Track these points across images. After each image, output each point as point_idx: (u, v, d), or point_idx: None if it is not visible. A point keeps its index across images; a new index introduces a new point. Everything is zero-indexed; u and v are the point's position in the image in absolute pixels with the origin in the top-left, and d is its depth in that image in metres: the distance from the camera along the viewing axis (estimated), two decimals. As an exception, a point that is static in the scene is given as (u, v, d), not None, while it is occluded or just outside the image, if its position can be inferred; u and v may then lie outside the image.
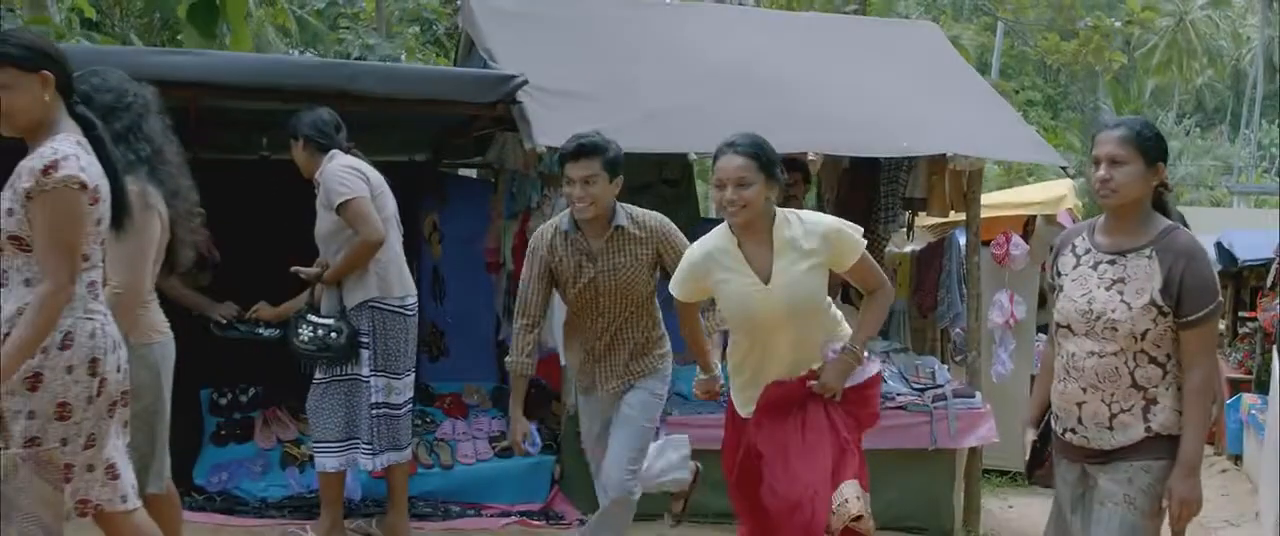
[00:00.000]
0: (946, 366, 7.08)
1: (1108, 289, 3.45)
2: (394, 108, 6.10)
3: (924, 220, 8.45)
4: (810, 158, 6.35)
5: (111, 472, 3.38)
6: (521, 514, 6.13)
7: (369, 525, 5.57)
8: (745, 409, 4.08)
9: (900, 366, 6.82)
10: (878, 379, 4.17)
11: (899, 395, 6.53)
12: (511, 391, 4.70)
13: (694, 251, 4.08)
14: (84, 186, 3.20)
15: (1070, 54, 19.97)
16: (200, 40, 9.08)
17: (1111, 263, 3.47)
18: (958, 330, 7.66)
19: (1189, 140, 33.48)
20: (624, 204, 4.61)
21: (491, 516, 6.11)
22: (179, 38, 13.38)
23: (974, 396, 6.69)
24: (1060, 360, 3.58)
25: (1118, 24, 21.06)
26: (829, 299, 4.03)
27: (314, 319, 5.07)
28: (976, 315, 7.04)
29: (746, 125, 6.46)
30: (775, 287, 3.87)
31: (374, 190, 5.08)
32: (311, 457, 5.44)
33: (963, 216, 7.25)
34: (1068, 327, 3.54)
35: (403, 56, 19.25)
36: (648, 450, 4.74)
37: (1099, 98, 35.45)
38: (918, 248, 8.06)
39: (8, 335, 3.15)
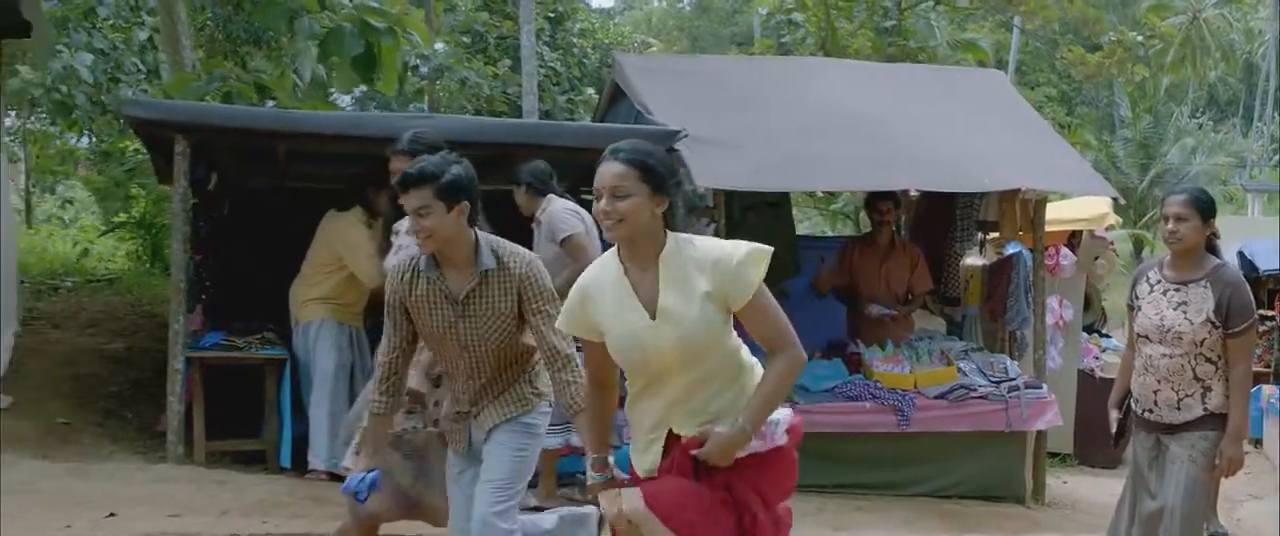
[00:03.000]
0: (1016, 362, 8.46)
1: (1174, 309, 4.85)
2: (573, 155, 7.50)
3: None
4: (913, 194, 7.77)
5: None
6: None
7: (571, 493, 6.95)
8: (644, 468, 3.46)
9: (978, 362, 8.20)
10: (782, 452, 3.41)
11: (979, 386, 7.91)
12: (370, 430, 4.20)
13: (581, 277, 3.50)
14: None
15: (1094, 66, 21.07)
16: (352, 82, 10.55)
17: (1177, 290, 4.87)
18: (1023, 332, 9.03)
19: (1202, 134, 34.57)
20: (492, 238, 4.07)
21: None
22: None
23: (1041, 387, 8.08)
24: (1139, 360, 4.98)
25: (1139, 37, 22.28)
26: (735, 339, 3.40)
27: (540, 329, 6.45)
28: (1041, 319, 8.44)
29: (856, 164, 7.99)
30: (662, 323, 3.29)
31: (588, 228, 6.47)
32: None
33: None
34: (1145, 337, 4.94)
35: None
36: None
37: (1115, 94, 36.42)
38: (989, 262, 9.43)
39: None
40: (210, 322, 7.70)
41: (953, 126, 8.68)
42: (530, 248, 6.47)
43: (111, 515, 5.61)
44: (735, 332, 3.40)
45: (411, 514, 4.70)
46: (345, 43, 9.57)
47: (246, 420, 7.42)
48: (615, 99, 8.95)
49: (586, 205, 7.72)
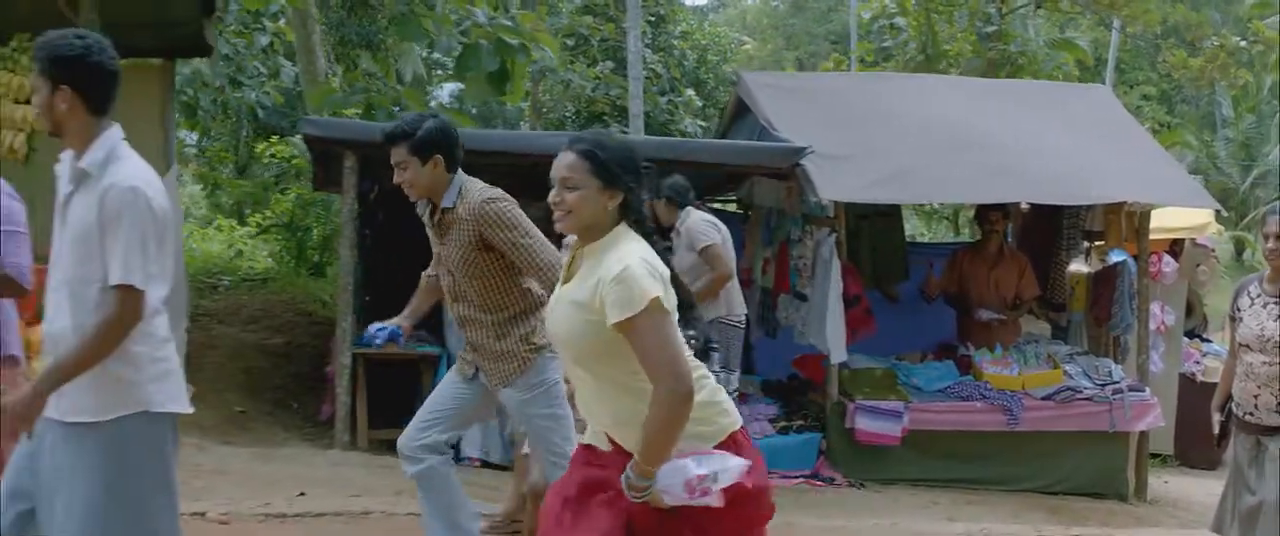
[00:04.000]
0: (1120, 366, 8.87)
1: (1274, 320, 5.28)
2: (704, 168, 8.07)
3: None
4: (1023, 207, 8.24)
5: None
6: (799, 477, 8.06)
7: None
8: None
9: (1083, 366, 8.63)
10: (730, 512, 3.05)
11: (1084, 388, 8.35)
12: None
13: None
14: None
15: (1197, 69, 21.08)
16: (485, 94, 11.20)
17: (1277, 303, 5.31)
18: (1126, 337, 9.42)
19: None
20: (474, 181, 4.56)
21: (775, 479, 8.00)
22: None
23: (1144, 390, 8.49)
24: (1240, 367, 5.42)
25: (1242, 42, 22.20)
26: (629, 367, 3.05)
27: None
28: (1145, 325, 8.85)
29: (968, 177, 8.47)
30: (553, 311, 3.28)
31: (724, 238, 7.05)
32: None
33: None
34: (1246, 346, 5.38)
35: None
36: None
37: (1217, 93, 36.00)
38: (1094, 269, 9.83)
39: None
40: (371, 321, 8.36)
41: (1060, 141, 9.10)
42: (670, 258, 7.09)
43: (302, 494, 6.28)
44: None
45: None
46: (482, 60, 10.23)
47: (402, 410, 8.09)
48: (739, 114, 9.51)
49: (717, 213, 8.32)
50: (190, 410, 3.67)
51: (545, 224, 7.50)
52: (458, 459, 7.70)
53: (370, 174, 7.95)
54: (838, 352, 8.06)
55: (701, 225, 7.02)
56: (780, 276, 9.02)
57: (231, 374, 8.56)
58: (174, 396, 3.56)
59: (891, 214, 9.95)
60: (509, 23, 10.57)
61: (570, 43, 25.27)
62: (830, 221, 8.15)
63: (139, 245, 3.33)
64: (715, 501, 3.00)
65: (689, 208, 7.18)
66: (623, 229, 3.18)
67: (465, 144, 6.08)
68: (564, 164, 3.16)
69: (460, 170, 4.56)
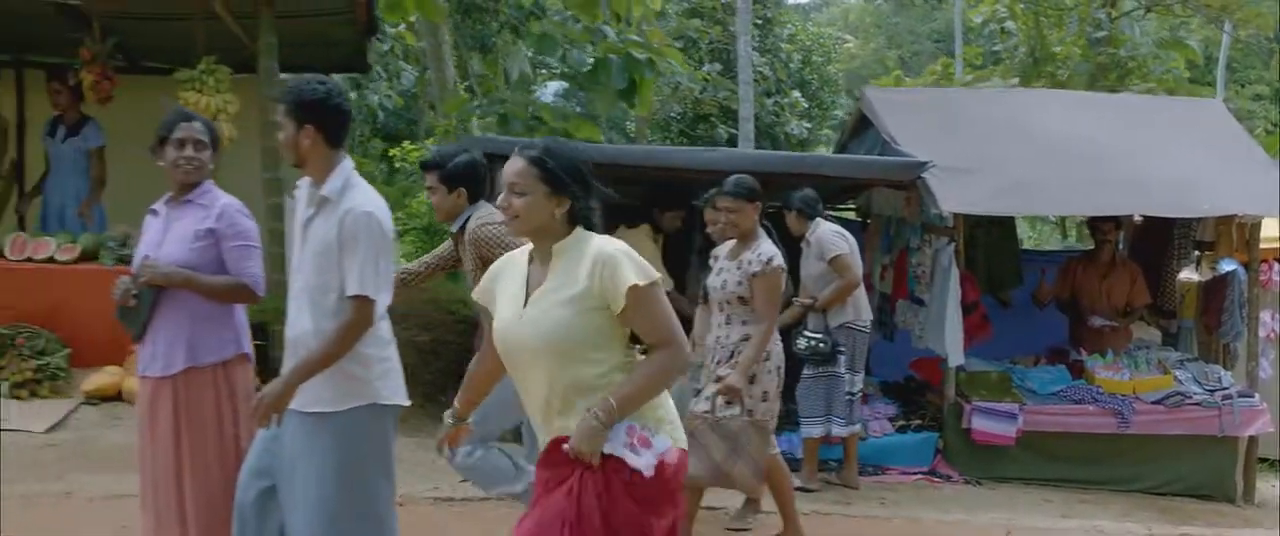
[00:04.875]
0: (1229, 372, 9.17)
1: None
2: (831, 181, 8.55)
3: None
4: (1136, 219, 8.61)
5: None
6: (917, 473, 8.50)
7: (829, 476, 8.02)
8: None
9: (1193, 372, 8.95)
10: (654, 481, 3.18)
11: (1194, 394, 8.68)
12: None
13: (500, 258, 3.61)
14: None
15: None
16: (612, 105, 11.75)
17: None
18: (1236, 344, 9.70)
19: None
20: (482, 207, 5.18)
21: (894, 475, 8.49)
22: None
23: (1253, 396, 8.80)
24: None
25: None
26: (620, 355, 3.29)
27: (808, 334, 7.52)
28: (1255, 333, 9.15)
29: (1082, 189, 8.84)
30: (527, 316, 3.30)
31: (852, 248, 7.52)
32: (798, 424, 7.88)
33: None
34: None
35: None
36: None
37: (1332, 92, 35.22)
38: (1204, 278, 10.13)
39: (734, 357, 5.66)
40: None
41: (1173, 153, 9.41)
42: (798, 265, 7.55)
43: (464, 480, 6.86)
44: (630, 350, 3.34)
45: (721, 482, 5.85)
46: (612, 75, 10.79)
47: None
48: (860, 128, 9.97)
49: (836, 220, 8.78)
50: (408, 403, 4.26)
51: (680, 233, 8.08)
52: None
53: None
54: (955, 356, 8.48)
55: (831, 236, 7.50)
56: (899, 282, 9.48)
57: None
58: (397, 391, 4.17)
59: (1006, 222, 10.34)
60: (638, 39, 11.12)
61: (678, 45, 25.77)
62: (949, 231, 8.56)
63: (372, 262, 3.93)
64: (645, 466, 3.16)
65: (818, 219, 7.65)
66: (583, 232, 3.33)
67: (603, 158, 6.69)
68: (513, 170, 3.31)
69: (481, 200, 5.28)
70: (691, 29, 26.20)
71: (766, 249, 5.76)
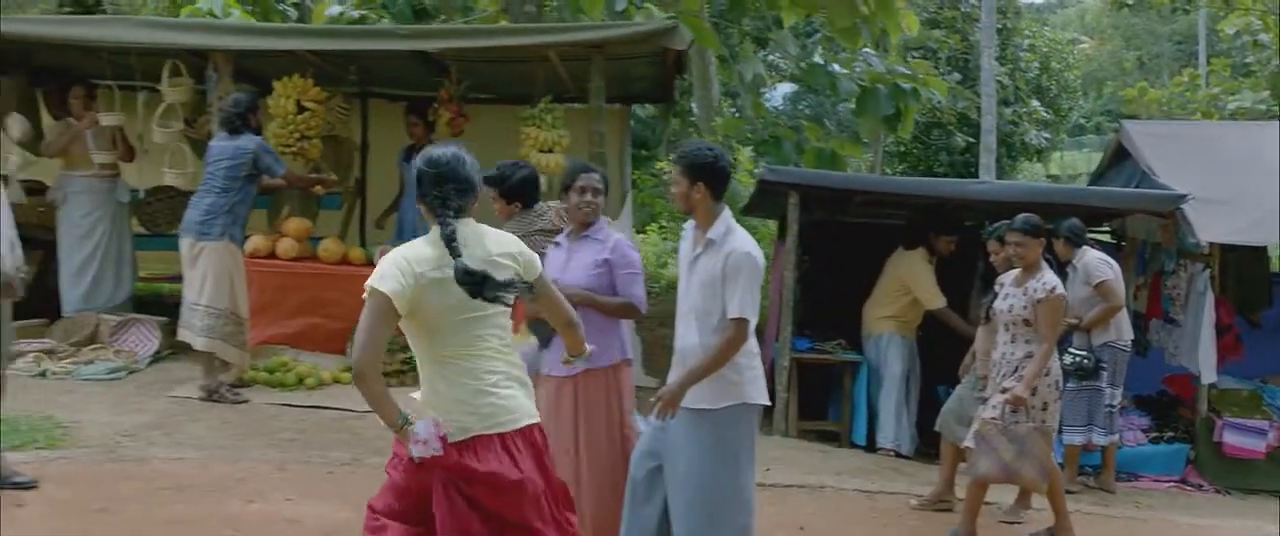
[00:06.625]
0: None
1: None
2: (1094, 211, 9.33)
3: None
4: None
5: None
6: (1169, 482, 9.20)
7: (1088, 480, 8.82)
8: None
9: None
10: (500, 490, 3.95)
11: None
12: None
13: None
14: None
15: None
16: (877, 129, 12.65)
17: None
18: None
19: None
20: (523, 215, 6.15)
21: (1147, 482, 9.20)
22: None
23: None
24: None
25: None
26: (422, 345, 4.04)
27: (1073, 351, 8.34)
28: None
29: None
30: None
31: (1116, 274, 8.30)
32: (1061, 433, 8.68)
33: None
34: None
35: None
36: None
37: None
38: None
39: (1019, 373, 6.58)
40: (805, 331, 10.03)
41: None
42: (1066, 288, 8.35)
43: (768, 469, 7.94)
44: (421, 342, 3.99)
45: (1011, 480, 6.76)
46: (880, 104, 11.73)
47: (823, 406, 9.78)
48: (1118, 159, 10.67)
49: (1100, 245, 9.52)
50: (769, 403, 5.34)
51: (957, 257, 8.89)
52: (873, 448, 9.30)
53: (808, 209, 9.58)
54: (1208, 374, 9.13)
55: (1097, 263, 8.30)
56: (1152, 303, 10.16)
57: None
58: (762, 393, 5.21)
59: (1259, 247, 10.85)
60: (903, 70, 12.02)
61: (917, 55, 26.32)
62: (1204, 257, 9.20)
63: (749, 291, 5.00)
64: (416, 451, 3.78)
65: (1084, 247, 8.46)
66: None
67: (879, 188, 7.67)
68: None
69: (530, 209, 6.18)
70: (932, 40, 26.68)
71: (1050, 278, 6.66)
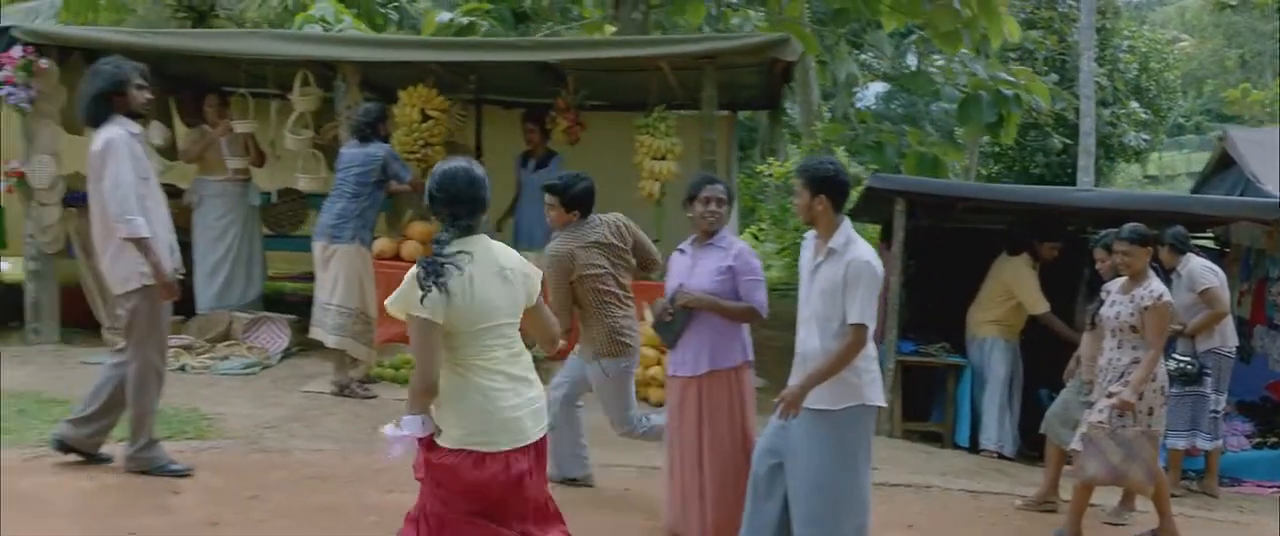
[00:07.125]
0: None
1: None
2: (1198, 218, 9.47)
3: None
4: None
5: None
6: (1273, 487, 9.28)
7: (1191, 484, 8.95)
8: None
9: None
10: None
11: None
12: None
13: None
14: None
15: None
16: (979, 133, 12.82)
17: None
18: None
19: None
20: (571, 227, 6.58)
21: (1249, 487, 9.28)
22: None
23: None
24: None
25: None
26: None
27: (1176, 356, 8.47)
28: None
29: None
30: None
31: (1221, 282, 8.43)
32: (1165, 437, 8.80)
33: None
34: None
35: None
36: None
37: None
38: None
39: (1126, 380, 6.78)
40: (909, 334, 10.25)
41: None
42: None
43: (875, 468, 8.19)
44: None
45: (1118, 482, 6.95)
46: (982, 111, 11.90)
47: (927, 407, 10.00)
48: (1222, 166, 10.76)
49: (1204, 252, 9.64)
50: (886, 404, 5.60)
51: (1063, 264, 9.09)
52: (976, 450, 9.51)
53: (913, 215, 9.81)
54: (1313, 381, 9.24)
55: (1202, 270, 8.44)
56: (1257, 308, 10.24)
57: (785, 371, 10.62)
58: (879, 395, 5.47)
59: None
60: (1006, 76, 12.18)
61: (1014, 56, 26.23)
62: (1300, 260, 9.31)
63: (868, 299, 5.27)
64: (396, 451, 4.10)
65: (1189, 254, 8.60)
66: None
67: (985, 196, 7.88)
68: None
69: (585, 220, 6.58)
70: (1029, 40, 26.57)
71: (1156, 286, 6.85)
